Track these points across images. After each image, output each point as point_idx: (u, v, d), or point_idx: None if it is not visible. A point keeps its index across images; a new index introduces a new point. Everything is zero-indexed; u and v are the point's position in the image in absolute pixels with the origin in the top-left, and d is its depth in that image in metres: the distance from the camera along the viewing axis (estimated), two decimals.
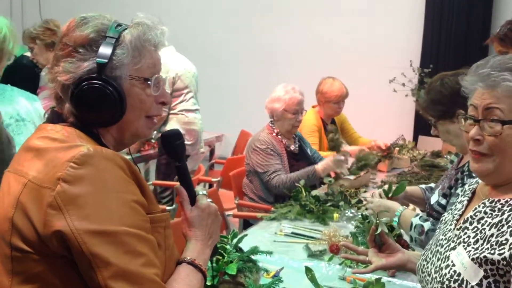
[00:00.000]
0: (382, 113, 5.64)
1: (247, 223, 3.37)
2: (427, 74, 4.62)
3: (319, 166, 3.32)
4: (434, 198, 2.17)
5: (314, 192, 3.04)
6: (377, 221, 1.73)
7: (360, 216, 2.61)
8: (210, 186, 4.51)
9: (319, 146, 3.98)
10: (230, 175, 3.74)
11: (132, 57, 1.20)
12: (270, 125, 3.53)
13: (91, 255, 1.04)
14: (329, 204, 2.95)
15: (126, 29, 1.22)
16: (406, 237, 2.19)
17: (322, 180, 3.35)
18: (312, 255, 2.34)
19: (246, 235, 2.24)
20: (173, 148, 1.37)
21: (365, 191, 3.35)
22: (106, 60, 1.16)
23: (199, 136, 4.37)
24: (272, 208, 2.98)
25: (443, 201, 2.12)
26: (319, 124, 4.12)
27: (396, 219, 2.11)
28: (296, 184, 3.15)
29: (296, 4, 6.12)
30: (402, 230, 2.22)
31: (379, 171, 4.06)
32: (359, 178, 3.42)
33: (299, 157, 3.53)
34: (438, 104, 2.09)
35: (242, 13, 6.38)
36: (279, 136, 3.49)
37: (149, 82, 1.23)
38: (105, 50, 1.17)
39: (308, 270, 1.97)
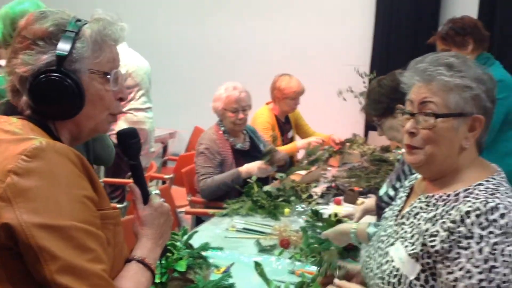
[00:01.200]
0: (334, 110, 5.72)
1: (200, 220, 3.36)
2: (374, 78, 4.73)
3: (243, 169, 3.28)
4: (383, 190, 2.24)
5: (266, 188, 3.07)
6: (337, 267, 1.70)
7: (310, 211, 2.65)
8: (163, 183, 4.47)
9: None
10: (183, 172, 3.72)
11: (92, 51, 1.20)
12: (218, 123, 3.52)
13: (38, 248, 1.03)
14: (280, 199, 2.98)
15: (86, 24, 1.22)
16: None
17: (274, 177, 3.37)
18: (263, 250, 2.36)
19: (196, 231, 2.25)
20: (128, 147, 1.36)
21: (315, 186, 3.39)
22: (66, 53, 1.16)
23: (148, 136, 4.31)
24: (224, 204, 2.98)
25: (392, 192, 2.18)
26: (272, 122, 4.13)
27: (353, 238, 2.16)
28: (221, 187, 3.20)
29: (249, 1, 6.14)
30: None
31: (330, 166, 4.12)
32: (310, 173, 3.46)
33: (248, 154, 3.52)
34: (378, 103, 2.23)
35: (196, 7, 6.36)
36: (225, 135, 3.47)
37: (108, 77, 1.23)
38: (64, 43, 1.16)
39: (257, 265, 1.99)
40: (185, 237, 2.13)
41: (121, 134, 1.36)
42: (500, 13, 4.95)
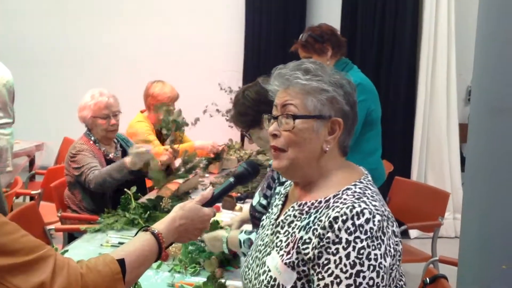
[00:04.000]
0: (209, 116, 5.70)
1: (72, 237, 3.16)
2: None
3: (127, 159, 3.16)
4: (256, 200, 2.24)
5: (143, 200, 2.96)
6: None
7: None
8: (31, 199, 4.17)
9: None
10: (51, 187, 3.49)
11: None
12: (87, 133, 3.36)
13: None
14: (158, 210, 2.89)
15: None
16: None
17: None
18: None
19: (66, 250, 2.11)
20: None
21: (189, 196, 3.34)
22: None
23: (4, 153, 4.00)
24: (98, 219, 2.84)
25: (264, 202, 2.19)
26: (152, 129, 4.03)
27: (224, 245, 2.15)
28: (107, 179, 3.05)
29: (118, 5, 5.94)
30: None
31: (210, 173, 4.10)
32: (188, 181, 3.40)
33: None
34: (244, 115, 2.23)
35: (59, 14, 6.02)
36: (96, 144, 3.33)
37: None
38: None
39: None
40: None
41: None
42: (361, 19, 5.25)
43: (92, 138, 3.32)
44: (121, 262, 1.28)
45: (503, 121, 1.70)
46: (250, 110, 2.20)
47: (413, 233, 5.10)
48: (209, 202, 1.53)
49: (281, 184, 2.04)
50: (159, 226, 1.43)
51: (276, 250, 1.35)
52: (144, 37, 5.88)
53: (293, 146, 1.34)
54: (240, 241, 2.11)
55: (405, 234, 4.79)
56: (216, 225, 2.38)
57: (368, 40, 5.24)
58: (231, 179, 1.57)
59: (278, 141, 1.36)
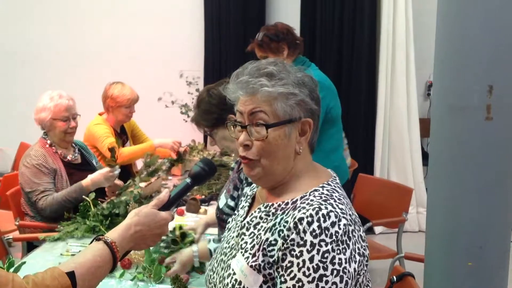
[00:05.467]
0: (171, 117, 5.62)
1: (32, 246, 3.05)
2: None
3: (88, 181, 3.08)
4: (222, 202, 2.20)
5: (103, 205, 2.87)
6: None
7: None
8: None
9: None
10: (8, 195, 3.36)
11: None
12: (43, 137, 3.25)
13: None
14: (119, 216, 2.81)
15: None
16: None
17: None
18: None
19: (24, 262, 2.02)
20: None
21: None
22: None
23: None
24: (58, 227, 2.74)
25: (232, 203, 2.15)
26: (110, 131, 3.94)
27: (196, 262, 2.11)
28: (64, 204, 2.97)
29: (77, 6, 5.79)
30: None
31: (173, 176, 4.03)
32: (150, 185, 3.33)
33: (82, 167, 3.30)
34: (209, 114, 2.18)
35: (16, 14, 5.82)
36: (53, 147, 3.22)
37: None
38: None
39: None
40: (11, 269, 1.90)
41: None
42: (320, 17, 5.26)
43: (49, 141, 3.22)
44: (71, 275, 1.21)
45: (463, 119, 1.71)
46: (215, 108, 2.15)
47: (378, 228, 5.14)
48: (166, 206, 1.45)
49: (249, 184, 2.01)
50: (113, 234, 1.35)
51: (241, 252, 1.32)
52: (102, 39, 5.75)
53: (267, 156, 1.30)
54: (210, 251, 2.07)
55: (370, 230, 4.83)
56: (178, 232, 2.33)
57: (328, 38, 5.25)
58: (188, 180, 1.49)
59: (249, 153, 1.31)
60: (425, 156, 5.31)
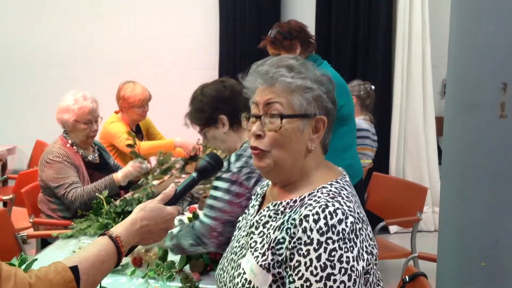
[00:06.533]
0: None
1: (46, 242, 3.08)
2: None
3: (119, 174, 3.14)
4: None
5: (116, 203, 2.88)
6: None
7: None
8: (4, 204, 4.08)
9: None
10: (22, 192, 3.40)
11: None
12: (64, 135, 3.25)
13: None
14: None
15: None
16: None
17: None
18: (114, 270, 2.19)
19: (36, 259, 2.03)
20: None
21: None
22: None
23: None
24: (72, 224, 2.76)
25: None
26: (127, 130, 3.95)
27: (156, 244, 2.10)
28: (97, 195, 2.96)
29: (91, 4, 5.83)
30: None
31: (187, 174, 4.03)
32: (163, 183, 3.34)
33: (100, 167, 3.33)
34: (201, 112, 2.19)
35: (30, 14, 5.88)
36: (74, 147, 3.23)
37: None
38: None
39: None
40: (23, 266, 1.92)
41: None
42: (335, 15, 5.24)
43: (70, 141, 3.23)
44: (74, 269, 1.21)
45: (476, 117, 1.69)
46: (207, 107, 2.16)
47: (392, 228, 5.10)
48: (172, 200, 1.44)
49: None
50: (118, 229, 1.34)
51: (251, 251, 1.31)
52: (118, 37, 5.79)
53: (278, 147, 1.29)
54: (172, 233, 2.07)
55: (384, 229, 4.79)
56: None
57: (343, 36, 5.23)
58: (194, 174, 1.48)
59: (261, 143, 1.30)
60: (441, 155, 5.26)
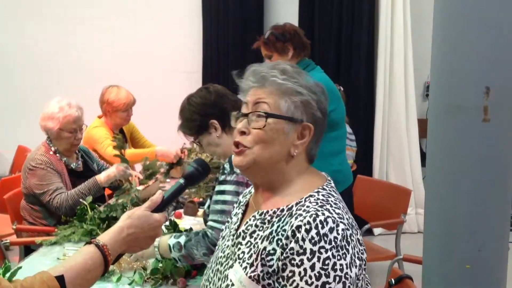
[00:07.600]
0: (170, 119, 5.61)
1: (30, 250, 3.04)
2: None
3: (101, 176, 3.12)
4: (208, 203, 2.20)
5: (100, 209, 2.86)
6: None
7: None
8: None
9: None
10: (5, 198, 3.35)
11: None
12: (47, 142, 3.21)
13: None
14: (117, 219, 2.79)
15: None
16: None
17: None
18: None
19: (20, 267, 2.01)
20: None
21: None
22: None
23: None
24: (56, 230, 2.73)
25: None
26: (110, 134, 3.92)
27: (157, 253, 2.09)
28: (80, 200, 2.94)
29: (73, 10, 5.78)
30: None
31: (172, 178, 4.02)
32: (148, 188, 3.32)
33: (83, 174, 3.28)
34: (191, 122, 2.21)
35: (15, 19, 5.80)
36: (57, 155, 3.19)
37: None
38: None
39: None
40: (8, 274, 1.90)
41: None
42: (318, 18, 5.26)
43: (53, 148, 3.18)
44: (60, 279, 1.19)
45: (460, 120, 1.71)
46: (196, 115, 2.18)
47: (377, 230, 5.13)
48: (160, 207, 1.42)
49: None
50: (104, 237, 1.32)
51: (239, 262, 1.29)
52: (101, 41, 5.72)
53: (260, 145, 1.30)
54: (169, 246, 2.05)
55: (368, 232, 4.81)
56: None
57: (326, 38, 5.25)
58: (181, 181, 1.47)
59: (244, 139, 1.32)
60: (424, 157, 5.29)
